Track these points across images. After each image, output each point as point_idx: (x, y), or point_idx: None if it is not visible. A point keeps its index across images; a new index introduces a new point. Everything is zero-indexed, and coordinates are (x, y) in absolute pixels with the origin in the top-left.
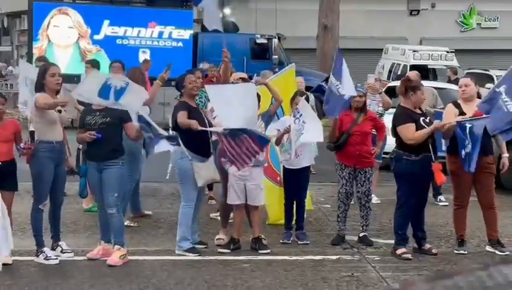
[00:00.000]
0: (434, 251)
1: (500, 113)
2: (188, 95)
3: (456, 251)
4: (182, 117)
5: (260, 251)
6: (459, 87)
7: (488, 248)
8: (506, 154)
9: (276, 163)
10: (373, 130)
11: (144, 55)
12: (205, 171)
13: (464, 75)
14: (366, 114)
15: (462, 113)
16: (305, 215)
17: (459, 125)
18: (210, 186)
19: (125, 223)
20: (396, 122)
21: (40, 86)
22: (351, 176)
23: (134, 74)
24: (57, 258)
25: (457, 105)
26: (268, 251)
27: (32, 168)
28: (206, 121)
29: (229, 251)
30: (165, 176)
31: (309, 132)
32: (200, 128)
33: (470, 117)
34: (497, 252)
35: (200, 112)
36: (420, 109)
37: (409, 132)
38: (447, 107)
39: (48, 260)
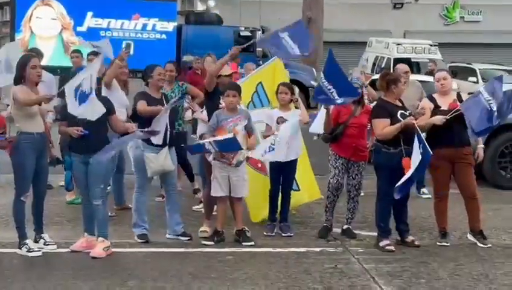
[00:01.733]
0: (417, 243)
1: (484, 111)
2: (153, 86)
3: (438, 243)
4: (143, 105)
5: (244, 243)
6: (437, 81)
7: (470, 237)
8: (481, 145)
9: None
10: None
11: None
12: (156, 162)
13: (439, 69)
14: (364, 106)
15: (437, 106)
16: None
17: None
18: (192, 179)
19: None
20: (372, 115)
21: (20, 78)
22: (344, 167)
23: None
24: (39, 251)
25: (432, 99)
26: (252, 243)
27: (13, 160)
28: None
29: (212, 243)
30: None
31: (277, 151)
32: (163, 111)
33: (447, 109)
34: (478, 243)
35: (162, 102)
36: (401, 101)
37: (379, 126)
38: (422, 102)
39: (30, 252)
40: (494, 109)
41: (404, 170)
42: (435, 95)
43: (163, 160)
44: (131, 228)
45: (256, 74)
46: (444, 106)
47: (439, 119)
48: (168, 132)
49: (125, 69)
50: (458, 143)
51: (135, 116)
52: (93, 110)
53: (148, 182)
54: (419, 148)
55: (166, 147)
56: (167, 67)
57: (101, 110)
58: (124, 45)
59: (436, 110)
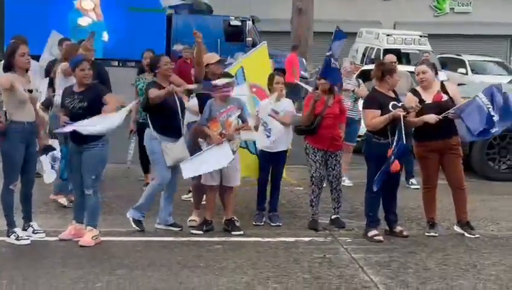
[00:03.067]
0: (405, 233)
1: (484, 115)
2: (162, 76)
3: (426, 234)
4: (154, 92)
5: (233, 233)
6: (417, 74)
7: (456, 229)
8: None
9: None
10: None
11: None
12: (174, 151)
13: (418, 62)
14: (335, 96)
15: (421, 100)
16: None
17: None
18: None
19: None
20: (363, 105)
21: (8, 65)
22: (323, 159)
23: (70, 52)
24: (28, 239)
25: (415, 92)
26: (241, 232)
27: (2, 148)
28: (177, 102)
29: (201, 232)
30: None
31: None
32: (176, 89)
33: (431, 102)
34: (466, 234)
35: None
36: (395, 92)
37: (368, 117)
38: (406, 96)
39: (19, 240)
40: (494, 114)
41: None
42: (418, 89)
43: (182, 149)
44: (122, 215)
45: (246, 59)
46: (429, 99)
47: (432, 118)
48: (181, 122)
49: (91, 57)
50: (446, 134)
51: (148, 107)
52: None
53: (168, 173)
54: (397, 140)
55: (182, 137)
56: (146, 55)
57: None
58: (91, 34)
59: (421, 104)
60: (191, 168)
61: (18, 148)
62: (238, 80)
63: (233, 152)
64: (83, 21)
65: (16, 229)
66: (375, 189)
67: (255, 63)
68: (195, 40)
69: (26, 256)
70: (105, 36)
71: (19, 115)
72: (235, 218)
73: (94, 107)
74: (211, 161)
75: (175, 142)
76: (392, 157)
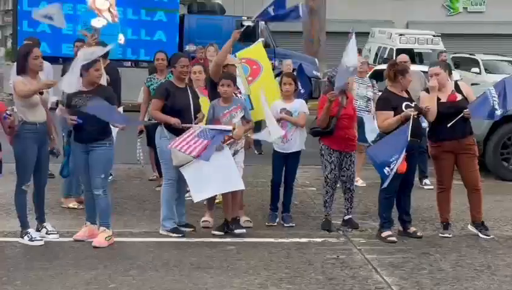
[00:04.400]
0: (419, 233)
1: (486, 105)
2: (177, 77)
3: (440, 234)
4: (156, 111)
5: (236, 231)
6: (430, 76)
7: (471, 228)
8: None
9: None
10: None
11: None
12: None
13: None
14: (348, 97)
15: (437, 99)
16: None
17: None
18: None
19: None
20: (376, 107)
21: (21, 68)
22: (338, 160)
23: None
24: (42, 239)
25: (429, 92)
26: (244, 231)
27: (15, 149)
28: (190, 101)
29: (223, 233)
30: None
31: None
32: (178, 125)
33: (446, 101)
34: (480, 235)
35: (186, 92)
36: (407, 92)
37: (380, 118)
38: (421, 96)
39: (32, 241)
40: (498, 109)
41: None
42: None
43: None
44: (134, 216)
45: (238, 54)
46: (443, 98)
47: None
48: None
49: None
50: (461, 135)
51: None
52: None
53: (176, 173)
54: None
55: None
56: (158, 56)
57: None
58: (91, 30)
59: (437, 103)
60: (199, 191)
61: (31, 149)
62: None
63: (237, 151)
64: (97, 22)
65: (29, 230)
66: (384, 186)
67: (251, 55)
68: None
69: (40, 257)
70: (121, 39)
71: (32, 116)
72: (246, 217)
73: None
74: (219, 179)
75: None
76: (397, 156)
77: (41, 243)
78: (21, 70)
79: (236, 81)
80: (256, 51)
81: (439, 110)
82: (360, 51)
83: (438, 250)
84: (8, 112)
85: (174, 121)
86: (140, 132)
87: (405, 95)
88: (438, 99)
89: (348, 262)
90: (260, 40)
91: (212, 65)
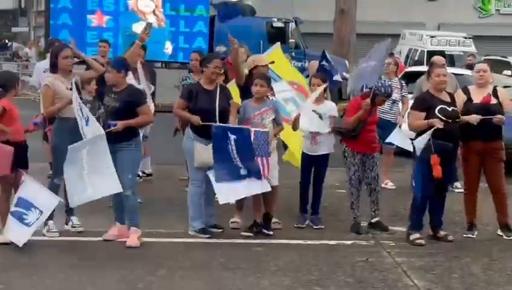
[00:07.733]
0: (450, 237)
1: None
2: (206, 78)
3: (464, 235)
4: (178, 109)
5: (264, 231)
6: (477, 72)
7: (499, 232)
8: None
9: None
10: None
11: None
12: (204, 154)
13: (479, 61)
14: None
15: (470, 99)
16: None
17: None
18: None
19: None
20: (412, 105)
21: (53, 66)
22: (361, 162)
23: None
24: (56, 232)
25: (466, 91)
26: (271, 233)
27: (52, 143)
28: (216, 104)
29: (252, 234)
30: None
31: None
32: (197, 123)
33: (479, 102)
34: (504, 236)
35: (211, 94)
36: (451, 95)
37: (412, 118)
38: (457, 92)
39: (48, 232)
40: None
41: (433, 166)
42: (470, 87)
43: (210, 153)
44: (163, 216)
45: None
46: (477, 99)
47: (475, 119)
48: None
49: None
50: (486, 137)
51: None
52: (92, 132)
53: (198, 173)
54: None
55: None
56: (192, 57)
57: (98, 131)
58: (147, 25)
59: (468, 103)
60: (225, 195)
61: (65, 143)
62: (273, 77)
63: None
64: (140, 27)
65: (49, 222)
66: (418, 194)
67: (276, 63)
68: (232, 46)
69: (69, 256)
70: (168, 47)
71: (67, 112)
72: (275, 219)
73: (125, 110)
74: (244, 185)
75: (207, 144)
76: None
77: (56, 235)
78: (53, 68)
79: (270, 83)
80: (275, 56)
81: (469, 110)
82: (391, 54)
83: (469, 254)
84: (38, 120)
85: (194, 119)
86: (176, 130)
87: (444, 97)
88: (471, 100)
89: (377, 265)
90: (277, 44)
91: (235, 69)
